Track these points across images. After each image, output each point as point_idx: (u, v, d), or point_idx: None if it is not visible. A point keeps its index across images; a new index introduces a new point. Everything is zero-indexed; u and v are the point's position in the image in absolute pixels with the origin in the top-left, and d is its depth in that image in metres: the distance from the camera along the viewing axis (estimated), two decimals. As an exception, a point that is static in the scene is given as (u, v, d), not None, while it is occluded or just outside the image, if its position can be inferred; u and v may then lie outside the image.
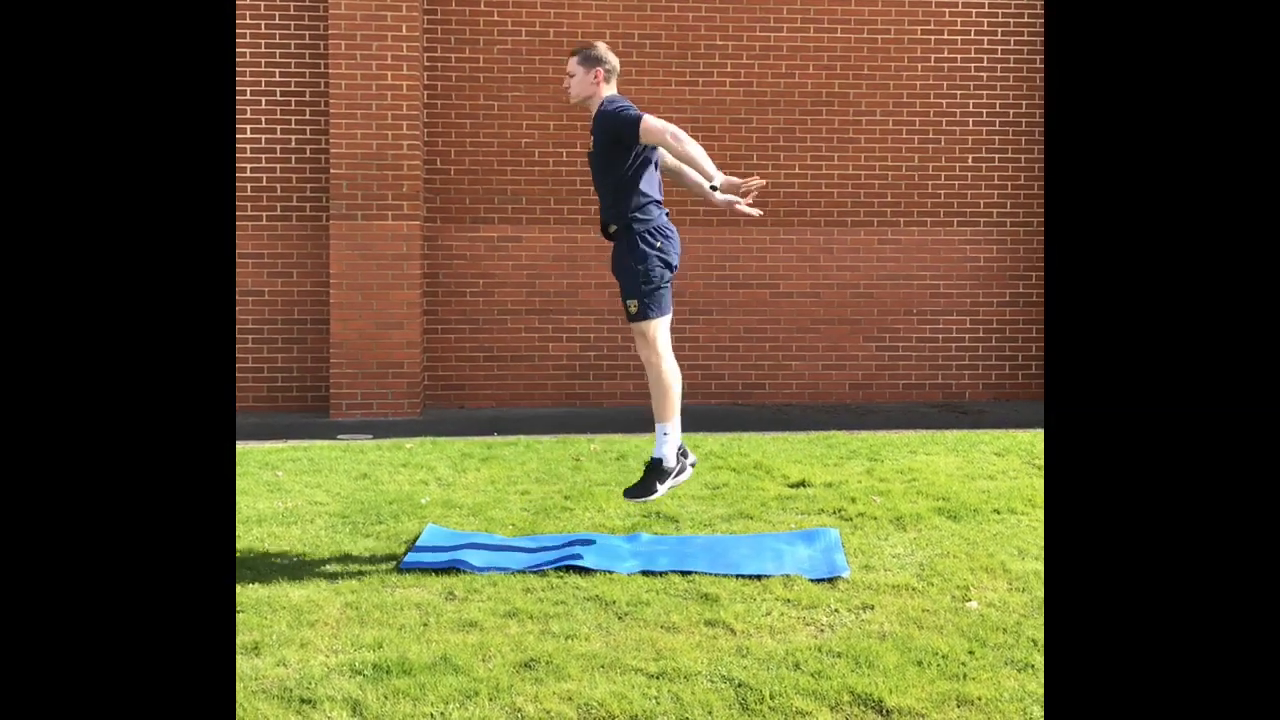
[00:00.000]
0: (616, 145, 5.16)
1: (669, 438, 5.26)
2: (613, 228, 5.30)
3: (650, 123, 5.05)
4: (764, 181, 5.18)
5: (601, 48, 5.35)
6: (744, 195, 5.19)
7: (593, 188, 10.14)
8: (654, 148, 5.27)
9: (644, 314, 5.22)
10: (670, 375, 5.26)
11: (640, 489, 5.26)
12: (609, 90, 5.33)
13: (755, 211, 5.39)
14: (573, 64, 5.33)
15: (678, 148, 5.04)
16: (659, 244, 5.23)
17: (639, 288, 5.21)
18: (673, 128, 5.04)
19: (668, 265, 5.26)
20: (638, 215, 5.22)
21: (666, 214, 5.33)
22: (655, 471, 5.26)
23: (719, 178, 5.08)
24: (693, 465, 5.40)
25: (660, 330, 5.27)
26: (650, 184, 5.27)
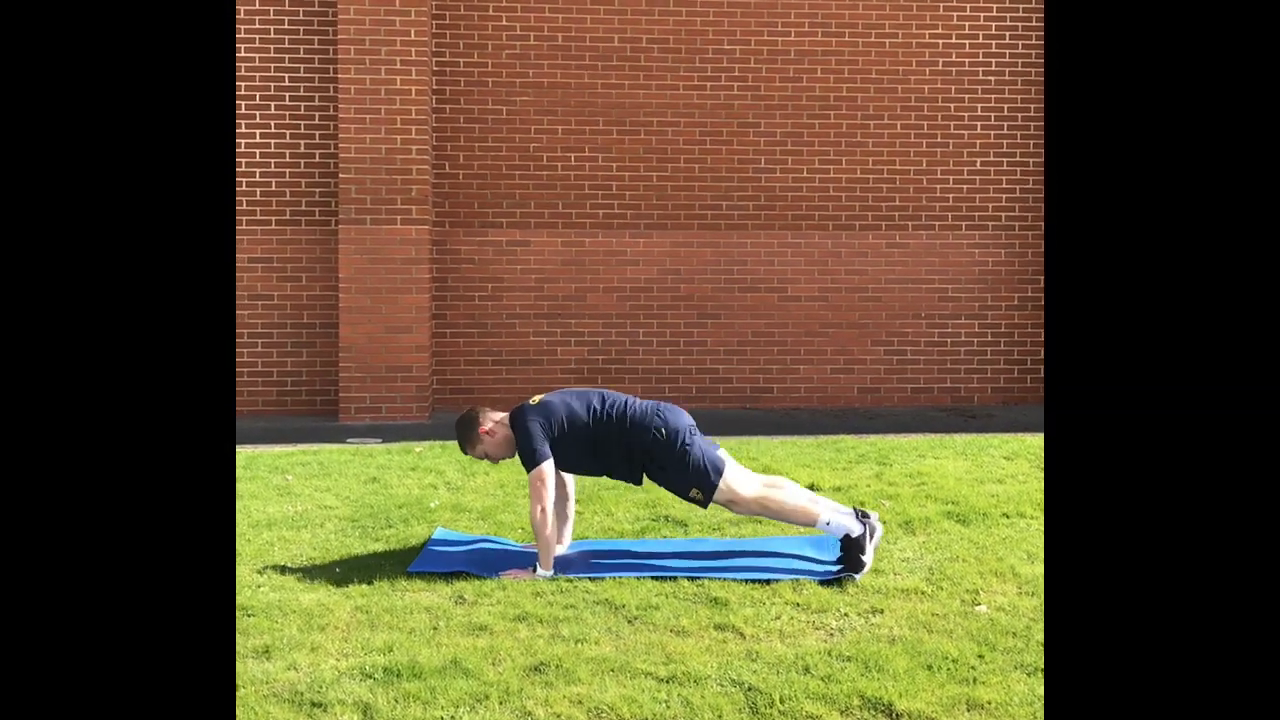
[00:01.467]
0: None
1: (832, 523, 5.00)
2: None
3: (534, 475, 4.96)
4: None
5: (465, 419, 5.23)
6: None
7: (601, 193, 10.18)
8: (611, 407, 5.12)
9: (708, 491, 5.03)
10: (780, 499, 5.06)
11: (852, 566, 4.91)
12: (495, 423, 5.18)
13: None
14: (475, 450, 5.22)
15: (533, 512, 4.92)
16: (664, 432, 5.05)
17: (688, 471, 5.03)
18: (540, 501, 4.90)
19: (682, 432, 5.07)
20: (640, 445, 5.08)
21: (647, 409, 5.13)
22: (850, 545, 4.95)
23: (542, 571, 4.89)
24: (876, 519, 5.08)
25: (737, 480, 5.06)
26: (606, 433, 5.09)
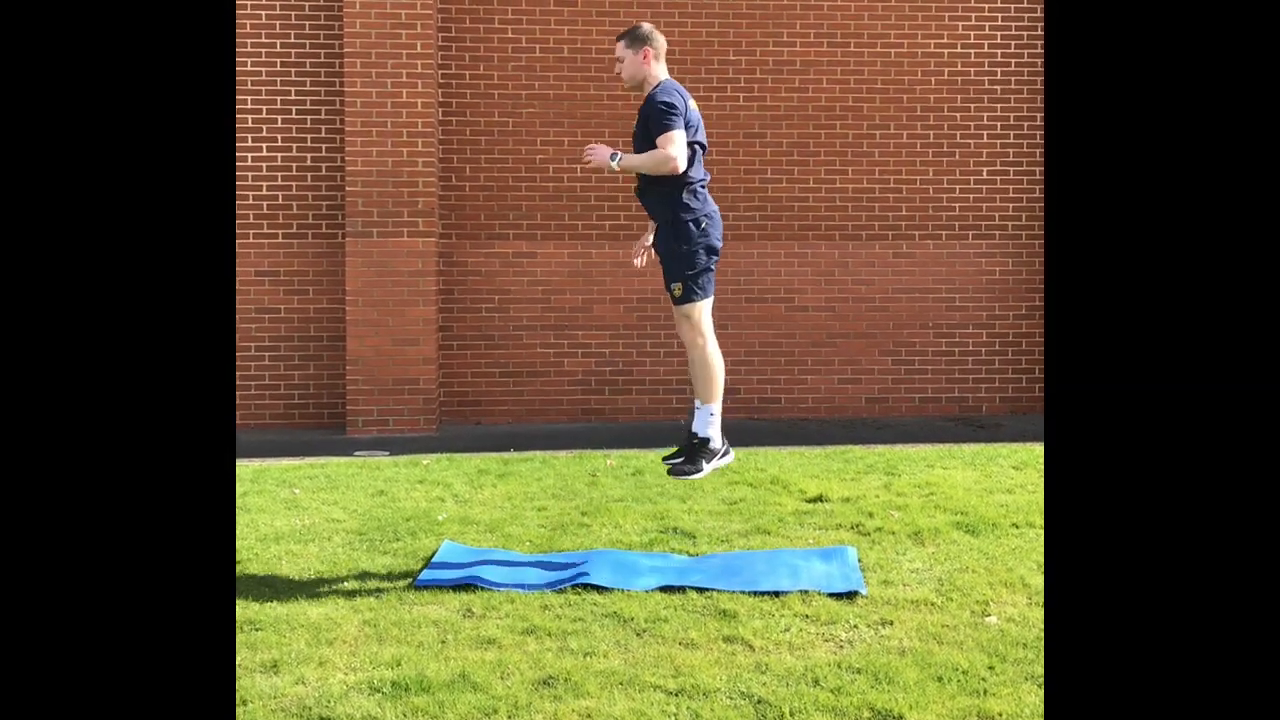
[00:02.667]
0: (648, 136, 5.23)
1: (714, 418, 5.29)
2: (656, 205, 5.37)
3: (667, 139, 5.09)
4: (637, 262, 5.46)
5: (647, 27, 5.40)
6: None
7: (607, 205, 10.18)
8: (697, 129, 5.28)
9: (688, 297, 5.26)
10: (714, 357, 5.31)
11: (686, 465, 5.25)
12: (659, 69, 5.36)
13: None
14: (620, 48, 5.38)
15: (661, 163, 5.10)
16: (704, 226, 5.26)
17: (683, 272, 5.25)
18: (673, 160, 5.08)
19: (712, 250, 5.30)
20: (682, 199, 5.24)
21: (709, 196, 5.35)
22: (701, 449, 5.25)
23: (616, 161, 5.16)
24: (732, 456, 5.44)
25: (704, 313, 5.32)
26: (695, 167, 5.29)
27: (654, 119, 5.15)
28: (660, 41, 5.38)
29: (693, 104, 5.32)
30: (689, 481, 5.81)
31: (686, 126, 5.18)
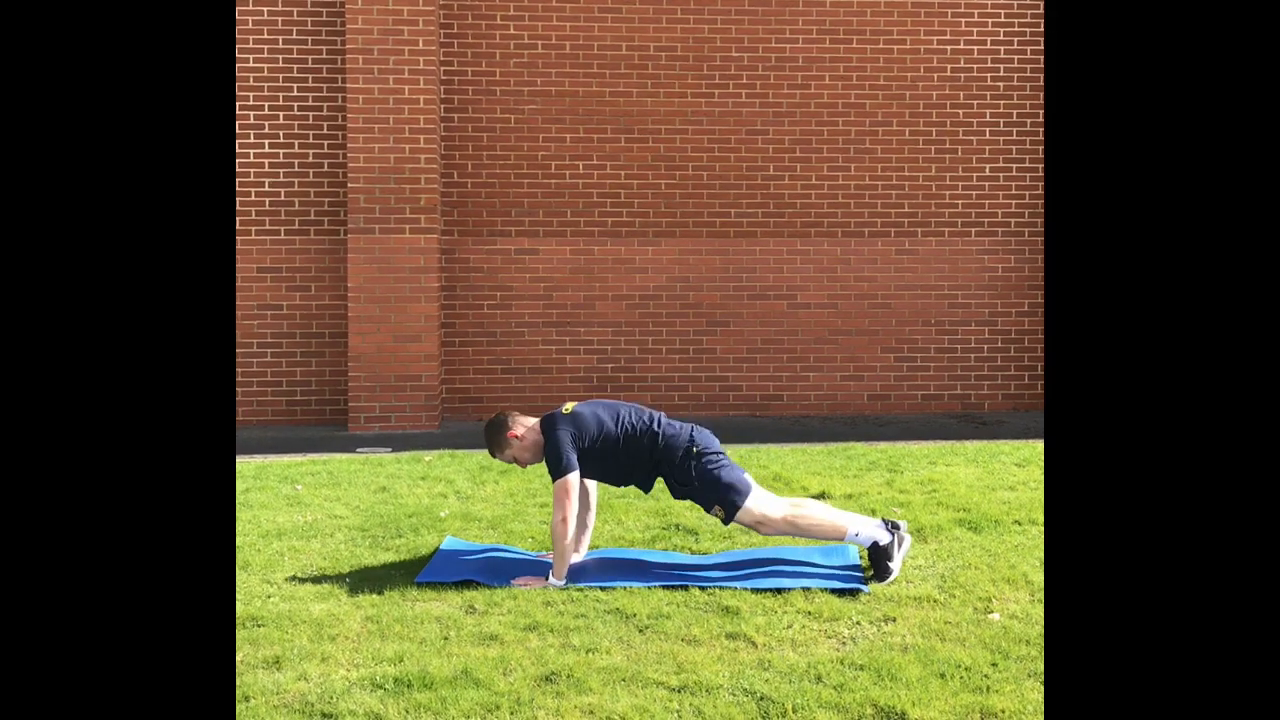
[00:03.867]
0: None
1: (861, 534, 5.02)
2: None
3: (559, 485, 4.95)
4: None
5: (494, 424, 5.24)
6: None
7: (610, 201, 10.19)
8: (643, 423, 5.14)
9: (733, 508, 5.03)
10: (808, 515, 5.06)
11: (879, 574, 4.94)
12: (526, 429, 5.19)
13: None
14: (499, 456, 5.26)
15: (555, 520, 4.91)
16: (696, 457, 5.07)
17: (716, 488, 5.04)
18: (563, 510, 4.90)
19: (715, 453, 5.12)
20: (669, 461, 5.10)
21: (679, 428, 5.14)
22: (878, 552, 4.96)
23: (554, 581, 4.88)
24: (905, 530, 5.12)
25: (761, 503, 5.05)
26: (635, 449, 5.10)
27: (549, 460, 5.02)
28: (514, 418, 5.23)
29: (591, 411, 5.14)
30: None
31: (593, 436, 5.04)
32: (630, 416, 5.16)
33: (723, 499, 5.04)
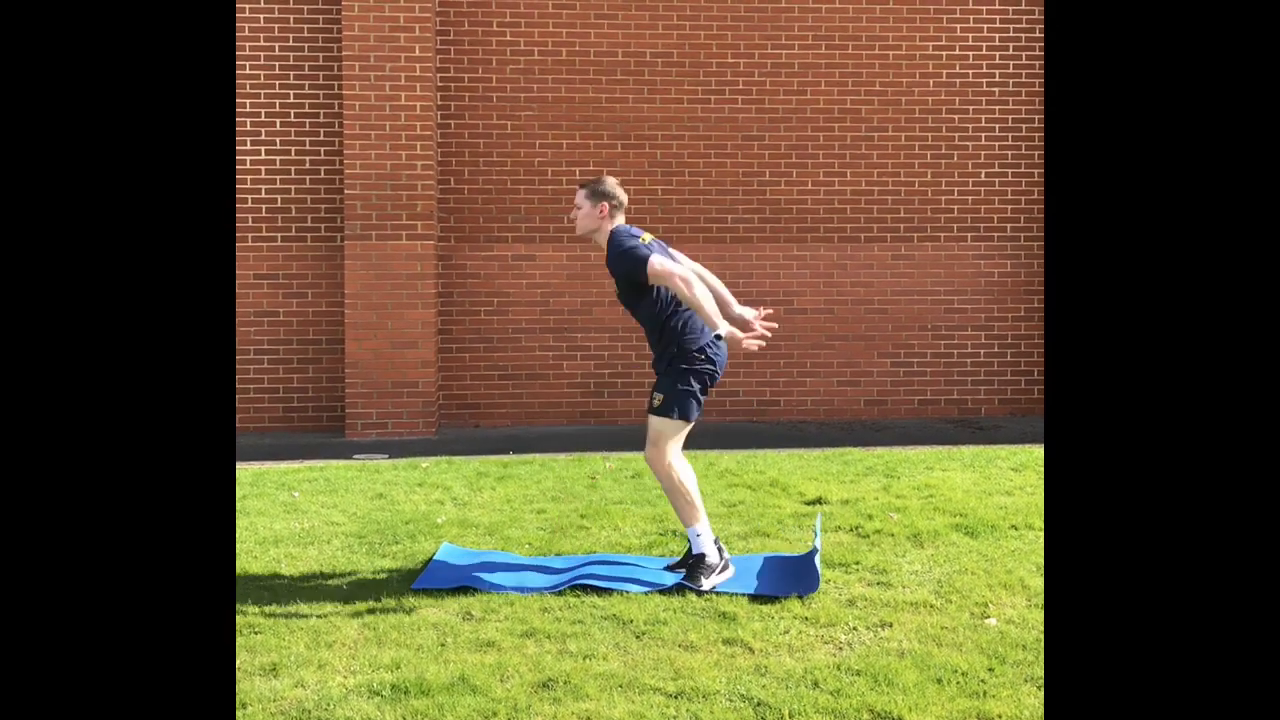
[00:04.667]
0: (635, 286, 5.09)
1: (701, 537, 5.02)
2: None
3: (656, 265, 4.94)
4: (767, 333, 4.98)
5: (610, 182, 5.25)
6: (748, 334, 4.95)
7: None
8: (684, 311, 5.11)
9: (666, 410, 5.04)
10: (683, 478, 5.06)
11: (689, 578, 4.95)
12: (616, 224, 5.22)
13: (758, 342, 4.92)
14: (580, 196, 5.24)
15: (685, 292, 4.88)
16: (707, 368, 5.08)
17: (674, 387, 5.05)
18: (681, 271, 4.91)
19: (711, 377, 5.12)
20: (687, 353, 5.07)
21: (717, 339, 5.01)
22: (699, 566, 4.98)
23: (723, 327, 4.86)
24: (731, 568, 5.09)
25: (675, 436, 5.07)
26: (694, 319, 5.10)
27: (630, 263, 5.03)
28: (620, 198, 5.24)
29: (647, 236, 5.20)
30: None
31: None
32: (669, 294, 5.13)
33: (671, 400, 5.02)
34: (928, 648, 4.19)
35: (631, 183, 10.22)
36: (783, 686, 3.83)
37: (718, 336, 4.90)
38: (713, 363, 5.09)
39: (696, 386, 5.06)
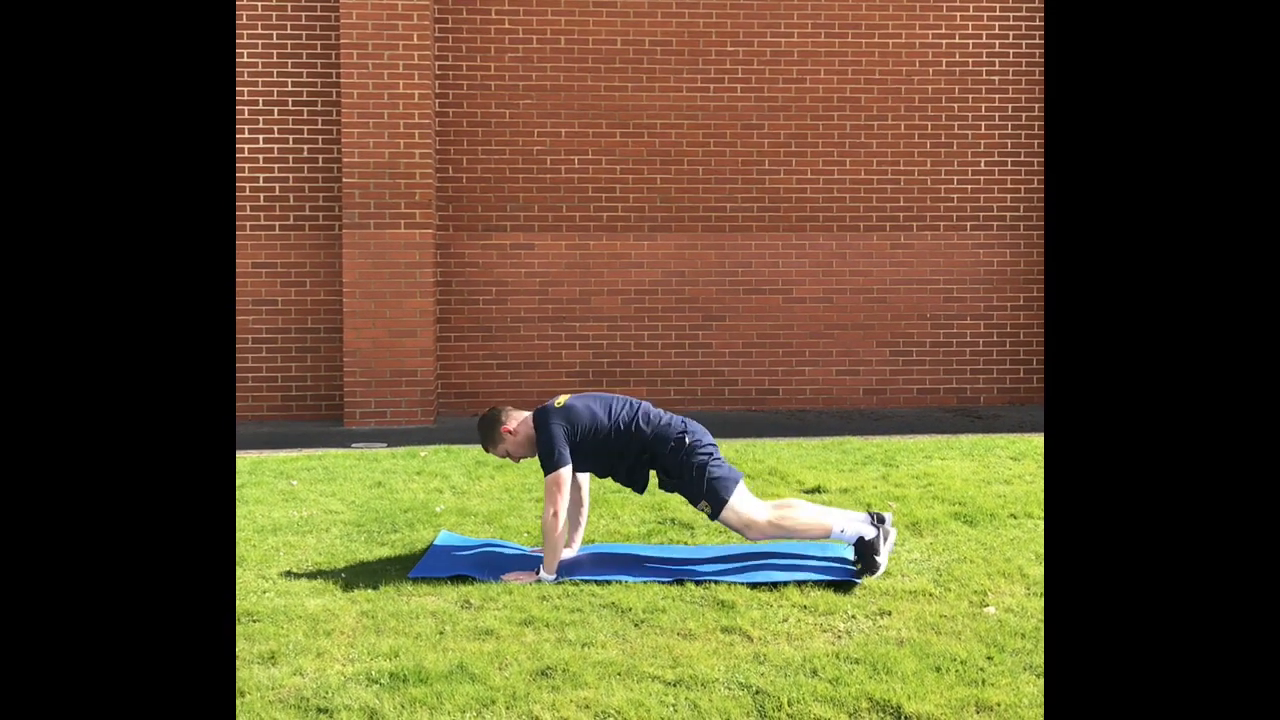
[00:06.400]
0: (584, 450, 5.10)
1: (846, 531, 4.99)
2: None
3: (549, 480, 4.95)
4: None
5: (482, 421, 5.25)
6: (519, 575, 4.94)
7: (605, 196, 10.18)
8: (635, 415, 5.12)
9: (717, 502, 5.01)
10: (793, 517, 5.03)
11: (867, 568, 4.92)
12: (520, 421, 5.18)
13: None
14: (495, 450, 5.23)
15: (547, 514, 4.89)
16: (697, 439, 5.07)
17: (701, 481, 5.02)
18: (553, 505, 4.89)
19: (705, 443, 5.09)
20: (680, 447, 5.05)
21: (673, 420, 5.11)
22: (864, 547, 4.94)
23: (544, 575, 4.87)
24: (890, 523, 5.06)
25: (747, 506, 5.02)
26: (628, 440, 5.08)
27: (541, 455, 5.01)
28: (492, 414, 5.23)
29: (583, 404, 5.12)
30: None
31: (586, 429, 5.03)
32: (622, 409, 5.15)
33: (710, 493, 5.02)
34: (926, 636, 4.19)
35: (630, 171, 10.21)
36: (781, 675, 3.82)
37: (537, 572, 4.90)
38: (693, 433, 5.09)
39: (707, 457, 5.05)
